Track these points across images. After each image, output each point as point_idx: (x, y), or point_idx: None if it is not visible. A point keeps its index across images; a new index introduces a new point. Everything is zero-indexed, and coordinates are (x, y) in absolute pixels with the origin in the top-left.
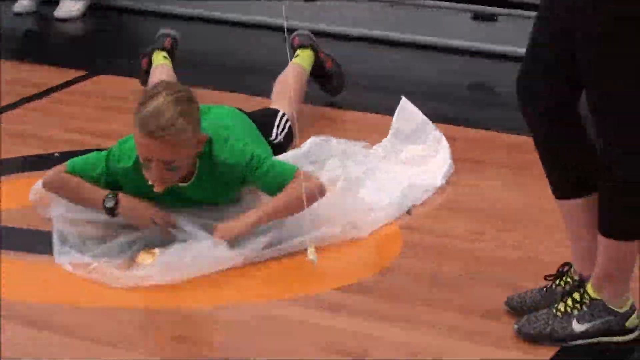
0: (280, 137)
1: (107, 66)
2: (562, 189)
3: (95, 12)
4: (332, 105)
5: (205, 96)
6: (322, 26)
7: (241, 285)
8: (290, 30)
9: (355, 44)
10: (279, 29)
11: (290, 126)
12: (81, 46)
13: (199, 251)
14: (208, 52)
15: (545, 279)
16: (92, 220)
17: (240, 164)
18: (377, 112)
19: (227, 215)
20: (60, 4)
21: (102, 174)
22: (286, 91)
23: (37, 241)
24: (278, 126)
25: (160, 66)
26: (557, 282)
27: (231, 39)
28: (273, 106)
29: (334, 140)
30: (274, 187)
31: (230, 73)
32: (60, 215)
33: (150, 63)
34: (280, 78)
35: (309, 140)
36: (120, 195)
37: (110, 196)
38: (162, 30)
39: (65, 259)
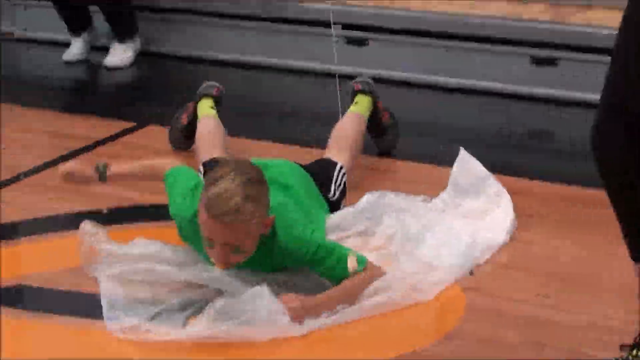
0: (337, 194)
1: (156, 117)
2: None
3: (144, 59)
4: (382, 154)
5: (255, 147)
6: (373, 71)
7: (293, 349)
8: (338, 76)
9: (408, 90)
10: (324, 74)
11: (345, 182)
12: (130, 96)
13: (260, 315)
14: (257, 99)
15: (620, 348)
16: (144, 280)
17: (307, 254)
18: (430, 162)
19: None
20: (111, 52)
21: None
22: (344, 141)
23: (84, 304)
24: (336, 182)
25: (208, 120)
26: (635, 352)
27: (279, 85)
28: (328, 156)
29: (390, 195)
30: (340, 278)
31: (277, 121)
32: (109, 275)
33: (190, 117)
34: (338, 127)
35: (364, 198)
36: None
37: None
38: (209, 83)
39: (115, 324)
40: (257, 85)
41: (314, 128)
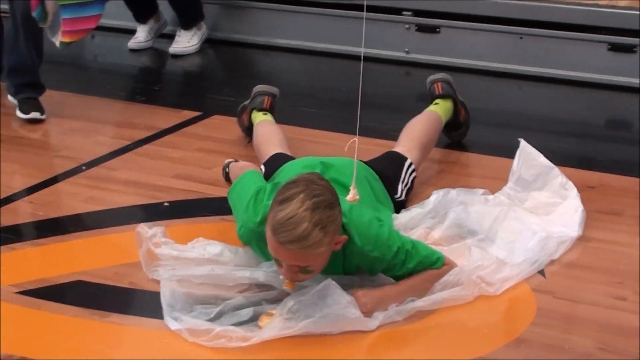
0: (404, 194)
1: (222, 106)
2: None
3: (210, 47)
4: (449, 146)
5: (319, 136)
6: (444, 58)
7: (360, 348)
8: (408, 64)
9: (479, 78)
10: (393, 61)
11: (413, 179)
12: (196, 84)
13: (332, 309)
14: (322, 87)
15: None
16: (203, 282)
17: (384, 258)
18: (500, 154)
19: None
20: (177, 39)
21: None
22: (417, 139)
23: (144, 302)
24: (403, 181)
25: (262, 123)
26: None
27: (345, 72)
28: (397, 149)
29: (453, 192)
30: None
31: (342, 109)
32: (169, 275)
33: (250, 120)
34: (415, 120)
35: (432, 198)
36: None
37: None
38: (259, 88)
39: (176, 325)
40: (322, 72)
41: (379, 117)
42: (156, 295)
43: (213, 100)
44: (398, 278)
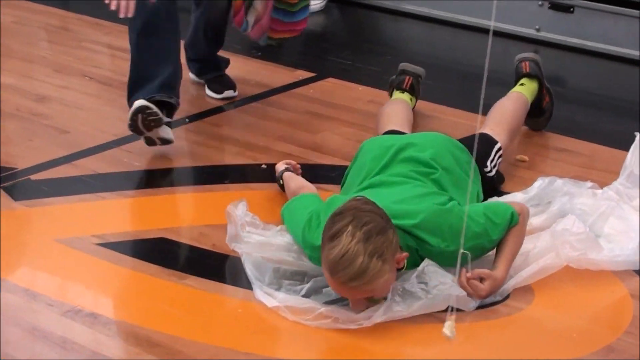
0: (493, 171)
1: (338, 69)
2: None
3: (335, 7)
4: (563, 131)
5: (437, 111)
6: (575, 40)
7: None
8: (538, 42)
9: (610, 62)
10: (522, 38)
11: (500, 162)
12: (316, 44)
13: (439, 289)
14: (444, 58)
15: None
16: (283, 262)
17: (473, 255)
18: (616, 146)
19: None
20: None
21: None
22: (505, 122)
23: (223, 267)
24: (492, 160)
25: (393, 101)
26: None
27: (469, 44)
28: (486, 131)
29: (559, 181)
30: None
31: (459, 83)
32: (250, 253)
33: (391, 96)
34: (502, 103)
35: (536, 184)
36: None
37: None
38: (403, 66)
39: (273, 301)
40: (447, 43)
41: (500, 95)
42: (238, 262)
43: (330, 62)
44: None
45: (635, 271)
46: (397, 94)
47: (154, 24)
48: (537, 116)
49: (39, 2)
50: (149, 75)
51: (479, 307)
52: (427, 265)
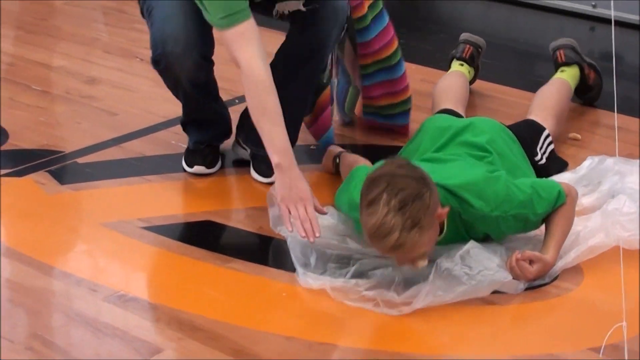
0: (544, 158)
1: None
2: None
3: None
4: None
5: (495, 91)
6: (632, 16)
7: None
8: (594, 18)
9: None
10: (578, 14)
11: (552, 149)
12: None
13: (484, 275)
14: (500, 36)
15: None
16: (329, 245)
17: (509, 215)
18: None
19: None
20: None
21: None
22: (551, 108)
23: (268, 250)
24: (541, 147)
25: (450, 74)
26: None
27: (525, 22)
28: (532, 117)
29: (609, 160)
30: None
31: (520, 62)
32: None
33: (449, 68)
34: (545, 89)
35: (585, 163)
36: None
37: None
38: (464, 36)
39: (317, 282)
40: (502, 21)
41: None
42: (284, 244)
43: None
44: (532, 228)
45: None
46: (455, 65)
47: None
48: (585, 93)
49: None
50: None
51: (527, 289)
52: (472, 247)
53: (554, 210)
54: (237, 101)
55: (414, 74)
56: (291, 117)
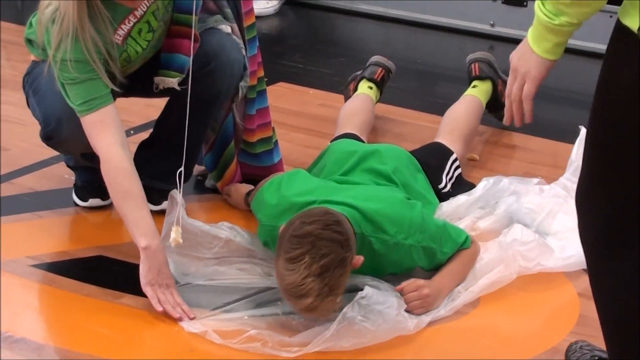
0: (449, 186)
1: (290, 73)
2: None
3: (290, 9)
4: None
5: (394, 114)
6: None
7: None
8: (493, 37)
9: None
10: (477, 34)
11: (459, 174)
12: (269, 47)
13: (386, 322)
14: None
15: None
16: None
17: (421, 246)
18: (562, 139)
19: None
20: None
21: None
22: (458, 129)
23: None
24: (448, 173)
25: (358, 97)
26: None
27: (421, 41)
28: (440, 140)
29: (505, 181)
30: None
31: (418, 83)
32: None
33: (356, 89)
34: (455, 109)
35: (480, 185)
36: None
37: None
38: (375, 59)
39: (198, 326)
40: (400, 41)
41: (453, 92)
42: None
43: (282, 66)
44: (435, 268)
45: (584, 269)
46: (364, 87)
47: None
48: (497, 110)
49: None
50: None
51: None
52: (371, 293)
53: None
54: (132, 132)
55: (313, 99)
56: (187, 155)
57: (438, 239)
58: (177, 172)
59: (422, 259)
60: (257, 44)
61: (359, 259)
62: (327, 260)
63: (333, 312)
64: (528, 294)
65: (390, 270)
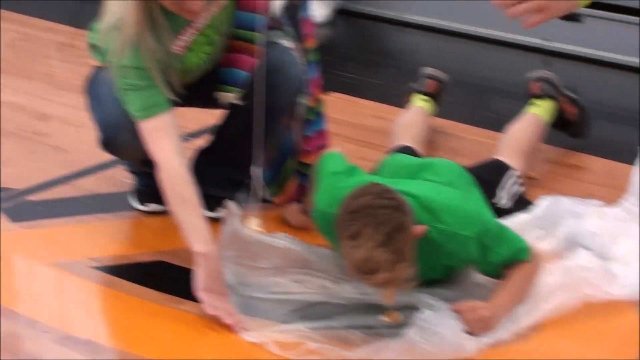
0: (505, 201)
1: (344, 83)
2: None
3: (343, 18)
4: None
5: (449, 128)
6: (585, 49)
7: None
8: (547, 52)
9: (621, 73)
10: (531, 48)
11: (522, 192)
12: (322, 57)
13: (444, 339)
14: (453, 72)
15: None
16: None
17: (477, 238)
18: (614, 158)
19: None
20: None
21: None
22: (519, 146)
23: None
24: (503, 188)
25: (413, 110)
26: None
27: (476, 55)
28: (499, 157)
29: (565, 201)
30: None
31: (471, 97)
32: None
33: (409, 103)
34: (516, 127)
35: (541, 204)
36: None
37: None
38: (425, 70)
39: (257, 336)
40: (453, 54)
41: (507, 108)
42: None
43: (334, 76)
44: (489, 270)
45: None
46: (418, 100)
47: None
48: (564, 128)
49: (47, 19)
50: None
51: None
52: (426, 316)
53: (514, 265)
54: (188, 138)
55: (365, 110)
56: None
57: (495, 237)
58: (243, 181)
59: (478, 254)
60: (319, 67)
61: (422, 227)
62: (388, 227)
63: (410, 282)
64: (592, 321)
65: (445, 261)
